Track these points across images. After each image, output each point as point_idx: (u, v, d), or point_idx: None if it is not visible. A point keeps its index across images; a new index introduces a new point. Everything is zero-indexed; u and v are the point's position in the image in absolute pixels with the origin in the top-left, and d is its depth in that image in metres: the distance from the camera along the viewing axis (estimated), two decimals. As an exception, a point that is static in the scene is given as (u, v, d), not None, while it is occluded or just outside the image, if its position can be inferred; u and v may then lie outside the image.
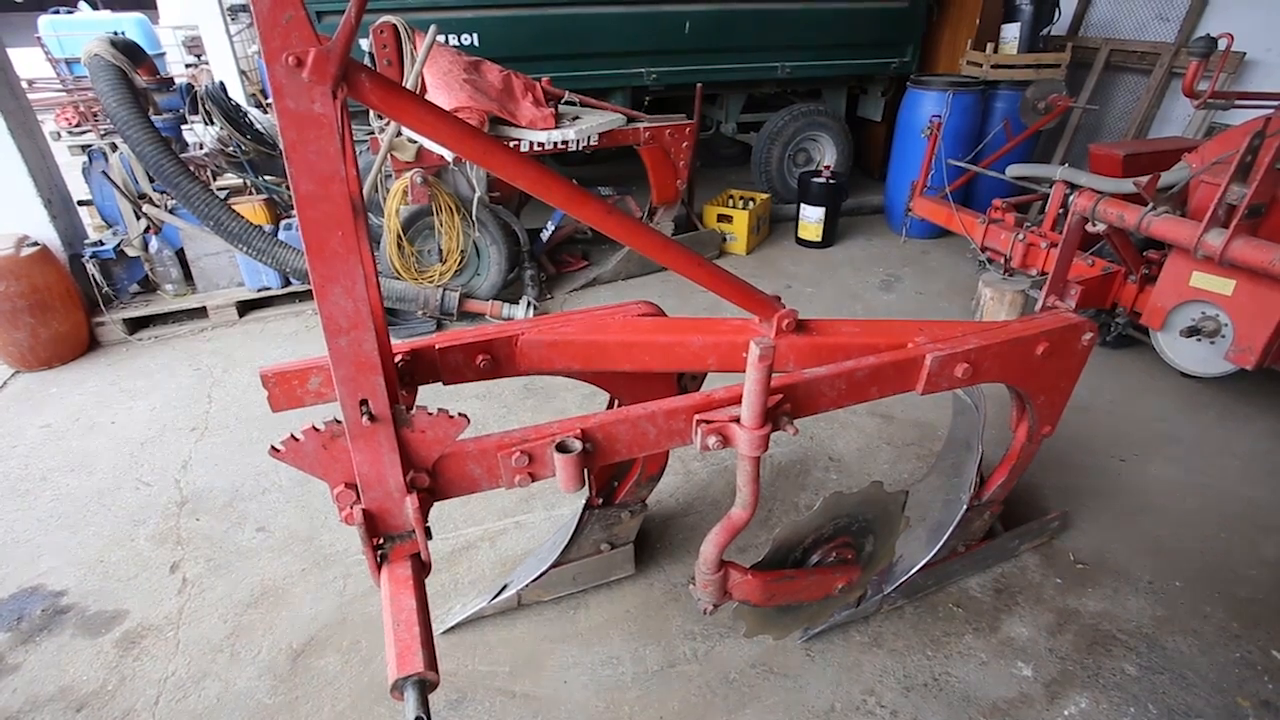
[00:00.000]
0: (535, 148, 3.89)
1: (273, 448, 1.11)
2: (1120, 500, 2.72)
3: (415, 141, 3.66)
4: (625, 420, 1.34)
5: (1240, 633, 2.17)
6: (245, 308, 4.17)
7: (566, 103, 4.22)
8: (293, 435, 1.10)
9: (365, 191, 3.97)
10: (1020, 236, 3.47)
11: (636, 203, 4.78)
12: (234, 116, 3.94)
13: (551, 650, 2.13)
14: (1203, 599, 2.29)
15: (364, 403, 1.09)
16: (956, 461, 2.29)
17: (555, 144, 3.90)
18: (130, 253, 3.91)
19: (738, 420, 1.37)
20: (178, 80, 3.99)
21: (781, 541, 1.59)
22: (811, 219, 5.16)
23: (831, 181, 5.06)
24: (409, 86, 3.60)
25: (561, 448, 1.26)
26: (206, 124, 3.86)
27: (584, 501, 2.12)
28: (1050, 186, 3.17)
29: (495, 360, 1.63)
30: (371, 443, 1.12)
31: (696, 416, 1.38)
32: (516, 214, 4.35)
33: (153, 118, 3.35)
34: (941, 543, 2.09)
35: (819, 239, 5.22)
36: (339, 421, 1.12)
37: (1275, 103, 2.60)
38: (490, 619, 2.23)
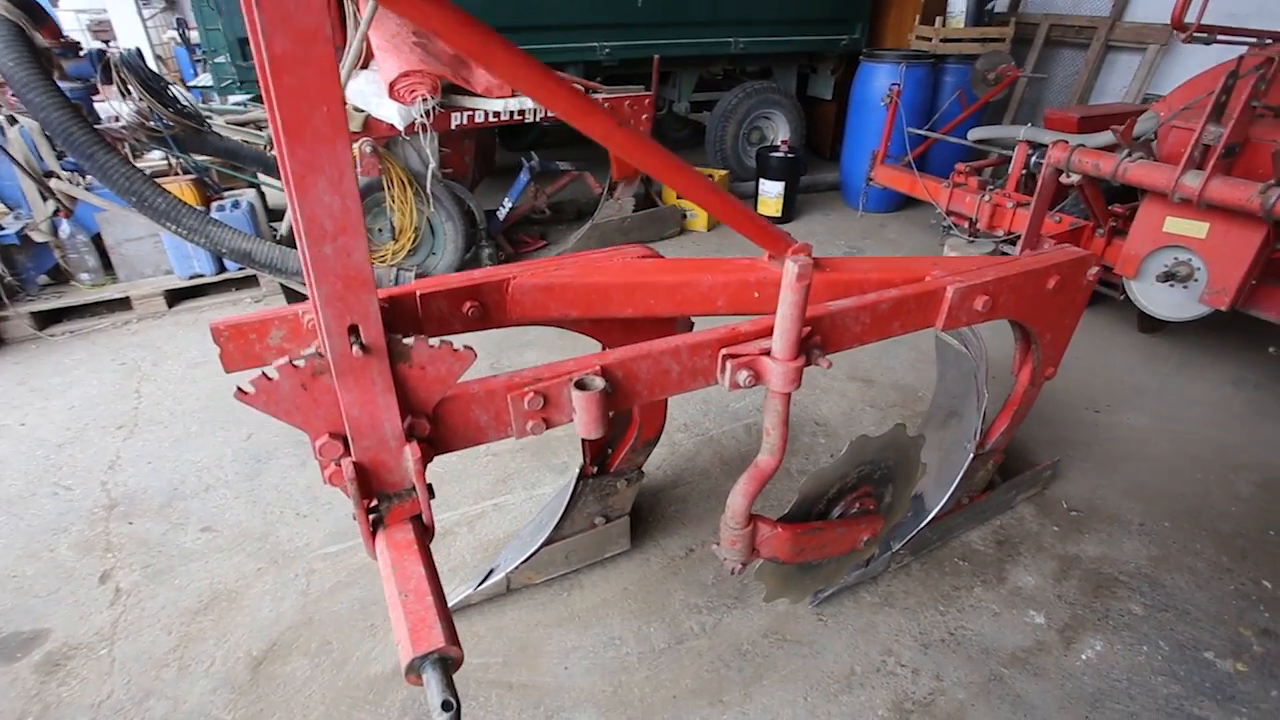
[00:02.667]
0: (491, 117, 3.68)
1: (240, 390, 0.91)
2: (1100, 449, 2.74)
3: (362, 110, 3.40)
4: (648, 356, 1.19)
5: (1231, 566, 2.20)
6: (175, 297, 3.80)
7: (521, 72, 4.02)
8: (265, 374, 0.91)
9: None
10: (986, 198, 3.49)
11: (596, 179, 4.62)
12: (155, 86, 3.57)
13: (547, 635, 1.96)
14: (1192, 537, 2.31)
15: (354, 330, 0.90)
16: (953, 411, 2.24)
17: (512, 114, 3.69)
18: (37, 238, 3.49)
19: (768, 353, 1.24)
20: (87, 46, 3.59)
21: (808, 492, 1.48)
22: (771, 194, 5.11)
23: (790, 156, 5.03)
24: (353, 51, 3.34)
25: (581, 385, 1.10)
26: (123, 95, 3.48)
27: (577, 471, 1.96)
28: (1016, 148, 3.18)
29: (484, 308, 1.46)
30: (363, 379, 0.94)
31: (723, 351, 1.25)
32: (471, 190, 4.12)
33: (59, 84, 2.99)
34: (949, 493, 2.03)
35: (778, 214, 5.18)
36: (321, 355, 0.93)
37: (1253, 39, 2.67)
38: (476, 607, 2.04)
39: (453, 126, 3.63)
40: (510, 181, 4.41)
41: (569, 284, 1.48)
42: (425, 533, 1.08)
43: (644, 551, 2.25)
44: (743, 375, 1.23)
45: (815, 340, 1.31)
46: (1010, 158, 3.89)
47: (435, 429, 1.07)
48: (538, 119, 3.87)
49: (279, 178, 4.05)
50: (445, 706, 0.79)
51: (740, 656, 1.89)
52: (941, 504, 2.04)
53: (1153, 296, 2.66)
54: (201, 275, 3.80)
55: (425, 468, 1.03)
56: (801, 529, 1.45)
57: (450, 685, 0.83)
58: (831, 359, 1.36)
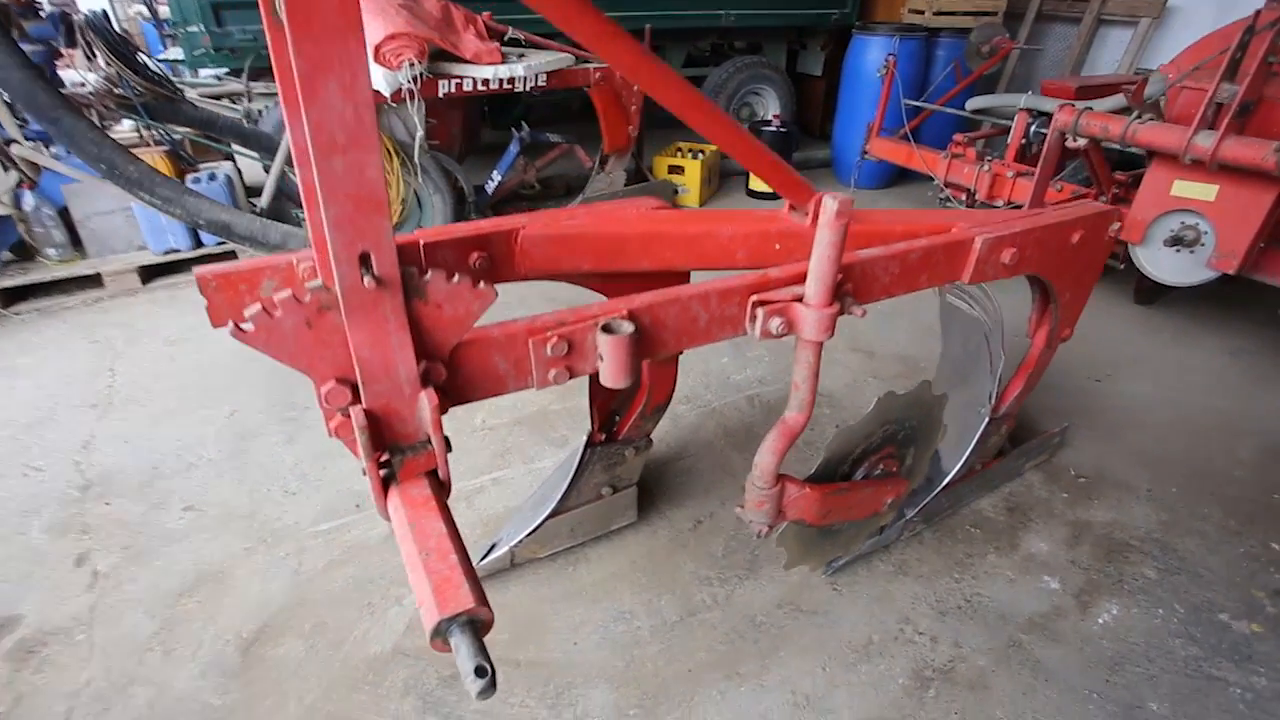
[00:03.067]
0: (480, 85, 3.55)
1: (236, 327, 0.82)
2: (1103, 417, 2.73)
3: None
4: (676, 301, 1.12)
5: (1239, 529, 2.19)
6: (149, 274, 3.63)
7: (510, 40, 3.89)
8: (264, 308, 0.81)
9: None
10: (985, 168, 3.44)
11: (586, 153, 4.51)
12: (123, 51, 3.38)
13: (555, 611, 1.89)
14: (1199, 502, 2.30)
15: (365, 259, 0.81)
16: (962, 377, 2.19)
17: (502, 82, 3.57)
18: (-2, 211, 3.31)
19: (800, 300, 1.17)
20: (48, 7, 3.39)
21: (834, 452, 1.42)
22: (764, 170, 5.02)
23: (783, 130, 4.95)
24: (332, 12, 3.18)
25: (608, 330, 1.02)
26: (89, 58, 3.29)
27: (585, 440, 1.88)
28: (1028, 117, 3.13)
29: (492, 260, 1.36)
30: (374, 315, 0.85)
31: (754, 297, 1.17)
32: (459, 163, 3.99)
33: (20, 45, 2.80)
34: (964, 458, 1.99)
35: (771, 190, 5.10)
36: (328, 289, 0.84)
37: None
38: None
39: (440, 95, 3.50)
40: (495, 159, 4.28)
41: (582, 234, 1.39)
42: (442, 489, 0.99)
43: (650, 524, 2.18)
44: (775, 323, 1.15)
45: (847, 288, 1.24)
46: (1005, 129, 3.85)
47: (451, 376, 0.98)
48: (526, 88, 3.74)
49: (257, 149, 3.89)
50: (479, 672, 0.71)
51: (755, 628, 1.83)
52: (956, 469, 2.00)
53: (1158, 261, 2.63)
54: (177, 250, 3.63)
55: (442, 418, 0.95)
56: (829, 489, 1.39)
57: (483, 649, 0.75)
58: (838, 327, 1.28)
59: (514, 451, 2.51)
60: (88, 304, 3.49)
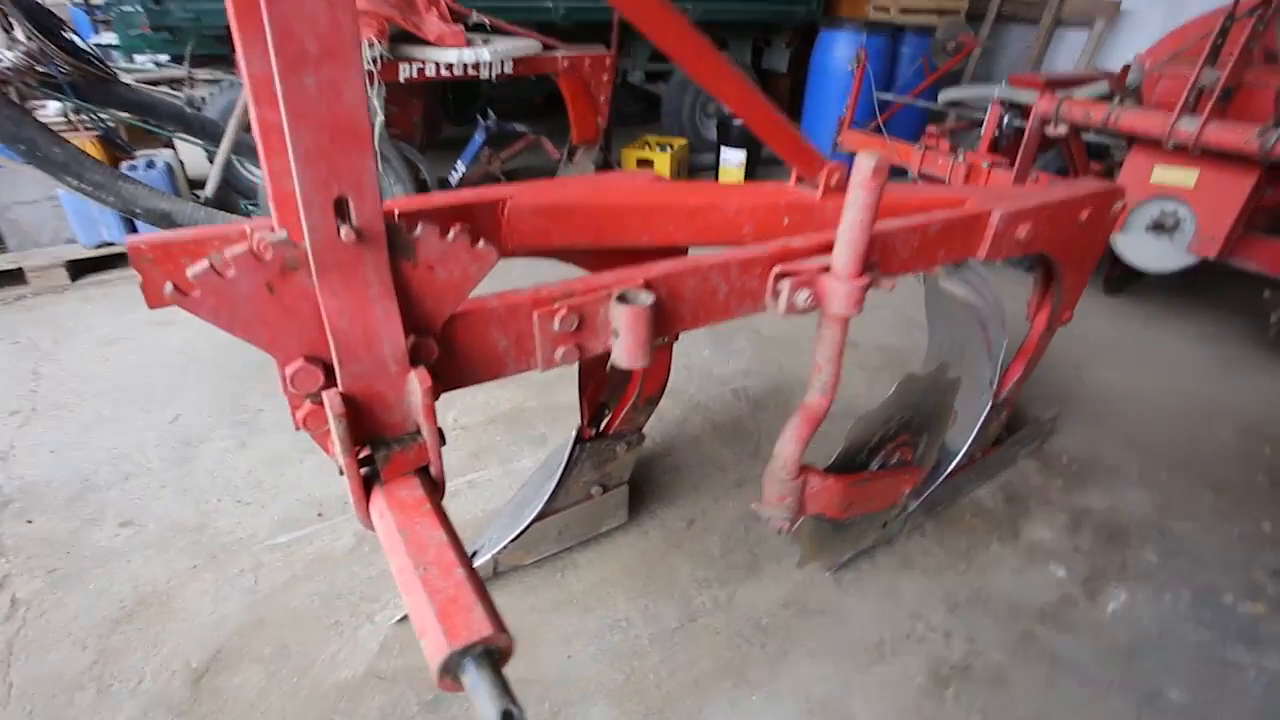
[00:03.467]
0: (444, 70, 3.37)
1: (177, 289, 0.65)
2: (1087, 404, 2.72)
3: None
4: (695, 271, 0.99)
5: (1230, 510, 2.19)
6: (79, 269, 3.33)
7: (475, 25, 3.71)
8: (212, 265, 0.65)
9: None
10: (959, 159, 3.42)
11: (554, 144, 4.35)
12: (47, 25, 3.08)
13: (544, 621, 1.74)
14: (1190, 485, 2.30)
15: (342, 205, 0.66)
16: (956, 363, 2.13)
17: (466, 67, 3.40)
18: (-99, 200, 2.97)
19: (828, 270, 1.06)
20: (-45, -24, 3.06)
21: (854, 439, 1.31)
22: (733, 163, 4.95)
23: (753, 124, 4.89)
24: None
25: (624, 300, 0.89)
26: (6, 32, 2.98)
27: (573, 435, 1.74)
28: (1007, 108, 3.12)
29: (476, 233, 1.21)
30: (353, 277, 0.70)
31: (776, 269, 1.06)
32: (421, 153, 3.80)
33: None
34: (967, 445, 1.92)
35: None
36: (294, 244, 0.68)
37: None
38: (458, 596, 1.80)
39: (401, 79, 3.31)
40: (456, 154, 4.10)
41: (578, 205, 1.26)
42: (435, 489, 0.85)
43: (641, 525, 2.05)
44: (802, 296, 1.04)
45: (873, 259, 1.14)
46: (974, 122, 3.87)
47: (442, 355, 0.83)
48: (492, 75, 3.58)
49: (200, 136, 3.62)
50: (506, 717, 0.57)
51: (760, 631, 1.72)
52: (959, 457, 1.93)
53: (1137, 249, 2.64)
54: (111, 244, 3.34)
55: (435, 403, 0.80)
56: (851, 480, 1.28)
57: (506, 687, 0.60)
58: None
59: (490, 452, 2.35)
60: (7, 302, 3.17)
